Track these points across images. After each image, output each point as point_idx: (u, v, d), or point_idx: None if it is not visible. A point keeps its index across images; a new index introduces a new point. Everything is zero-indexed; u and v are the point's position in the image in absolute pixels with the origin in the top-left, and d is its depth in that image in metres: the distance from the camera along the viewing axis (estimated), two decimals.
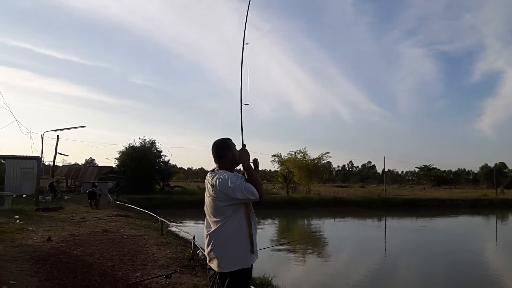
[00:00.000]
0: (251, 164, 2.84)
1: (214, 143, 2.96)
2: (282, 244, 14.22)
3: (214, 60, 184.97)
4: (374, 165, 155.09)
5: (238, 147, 2.91)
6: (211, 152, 2.92)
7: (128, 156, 34.48)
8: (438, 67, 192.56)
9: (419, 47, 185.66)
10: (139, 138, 36.09)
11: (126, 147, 35.24)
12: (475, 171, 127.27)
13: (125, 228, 10.81)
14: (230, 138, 3.00)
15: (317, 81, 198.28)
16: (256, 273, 7.41)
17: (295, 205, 31.39)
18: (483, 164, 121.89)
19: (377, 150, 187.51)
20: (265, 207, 28.90)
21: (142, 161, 33.31)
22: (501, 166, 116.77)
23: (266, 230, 18.99)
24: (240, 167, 2.86)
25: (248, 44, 3.45)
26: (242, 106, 3.25)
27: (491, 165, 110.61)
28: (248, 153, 2.88)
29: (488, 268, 11.61)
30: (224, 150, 2.88)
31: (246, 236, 2.72)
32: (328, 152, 44.31)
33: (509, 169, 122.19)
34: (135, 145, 35.06)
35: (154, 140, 36.22)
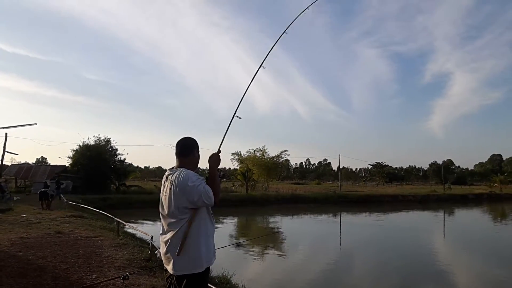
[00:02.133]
0: (219, 172, 2.84)
1: (183, 139, 2.91)
2: (242, 242, 14.31)
3: (173, 56, 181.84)
4: (330, 163, 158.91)
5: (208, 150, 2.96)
6: (175, 148, 2.86)
7: (82, 155, 33.18)
8: (392, 67, 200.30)
9: (374, 48, 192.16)
10: (94, 136, 34.86)
11: (80, 145, 33.90)
12: (425, 168, 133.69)
13: (79, 229, 10.44)
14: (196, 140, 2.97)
15: (276, 79, 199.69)
16: (215, 271, 7.44)
17: (254, 202, 31.63)
18: (432, 161, 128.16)
19: (333, 148, 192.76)
20: (225, 205, 28.92)
21: (96, 160, 32.18)
22: (449, 163, 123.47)
23: (226, 228, 19.01)
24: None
25: (265, 67, 3.87)
26: (234, 118, 3.46)
27: (440, 162, 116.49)
28: (220, 159, 2.90)
29: (437, 260, 12.30)
30: (191, 149, 2.85)
31: (204, 238, 2.67)
32: (286, 150, 45.10)
33: (456, 166, 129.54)
34: (89, 144, 33.80)
35: (109, 138, 35.13)
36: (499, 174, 75.60)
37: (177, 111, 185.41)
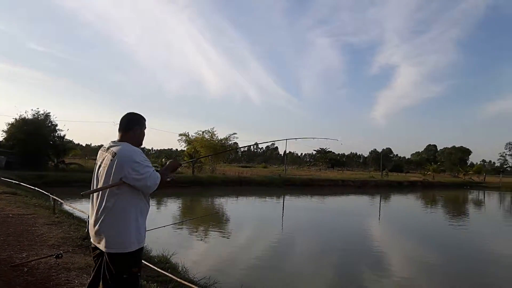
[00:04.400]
0: (171, 175, 2.84)
1: (127, 114, 2.81)
2: (184, 221, 14.28)
3: (123, 30, 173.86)
4: (277, 147, 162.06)
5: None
6: (119, 123, 2.77)
7: (18, 129, 30.95)
8: (343, 58, 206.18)
9: (327, 37, 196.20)
10: (32, 109, 32.68)
11: (16, 119, 31.64)
12: (365, 155, 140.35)
13: (11, 206, 9.86)
14: (145, 118, 2.85)
15: (230, 62, 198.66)
16: (155, 251, 7.39)
17: (200, 184, 31.53)
18: (372, 149, 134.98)
19: (281, 133, 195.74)
20: (169, 186, 28.52)
21: (34, 135, 30.22)
22: (387, 151, 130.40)
23: (169, 208, 18.85)
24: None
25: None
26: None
27: (380, 150, 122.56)
28: (178, 167, 2.98)
29: (371, 241, 13.10)
30: (135, 124, 2.75)
31: (140, 217, 2.59)
32: (235, 133, 45.26)
33: (394, 154, 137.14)
34: (26, 117, 31.61)
35: (49, 113, 32.97)
36: (432, 163, 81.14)
37: (125, 88, 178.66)
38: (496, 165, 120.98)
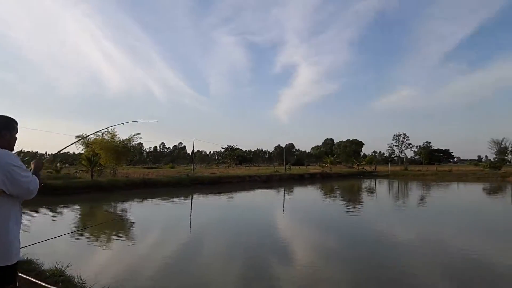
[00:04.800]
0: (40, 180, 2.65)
1: None
2: (83, 229, 13.31)
3: (12, 26, 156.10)
4: (184, 146, 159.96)
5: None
6: None
7: None
8: (248, 56, 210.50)
9: (232, 35, 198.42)
10: None
11: None
12: (270, 151, 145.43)
13: None
14: (17, 121, 2.62)
15: (133, 59, 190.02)
16: (46, 264, 6.75)
17: (100, 189, 29.64)
18: (276, 145, 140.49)
19: (188, 132, 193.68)
20: (65, 193, 26.39)
21: None
22: (290, 146, 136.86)
23: (66, 217, 17.37)
24: None
25: None
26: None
27: (283, 145, 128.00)
28: (42, 166, 2.84)
29: (278, 231, 13.58)
30: (2, 128, 2.50)
31: (16, 228, 2.41)
32: (139, 133, 43.13)
33: (296, 149, 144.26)
34: None
35: None
36: (330, 156, 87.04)
37: (14, 87, 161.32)
38: (385, 155, 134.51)
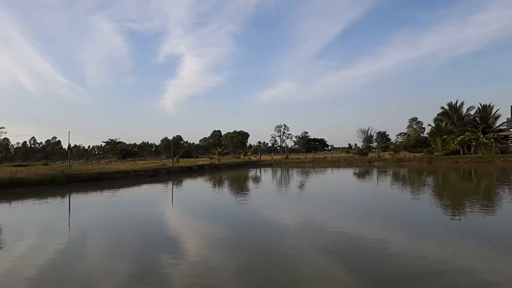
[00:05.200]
0: None
1: None
2: None
3: None
4: (59, 141, 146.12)
5: None
6: None
7: None
8: (128, 44, 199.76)
9: (110, 22, 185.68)
10: None
11: None
12: (157, 144, 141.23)
13: None
14: None
15: None
16: None
17: None
18: (164, 137, 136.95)
19: (63, 125, 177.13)
20: None
21: None
22: (178, 138, 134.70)
23: None
24: None
25: None
26: None
27: (170, 138, 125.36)
28: None
29: (167, 226, 13.34)
30: None
31: None
32: (3, 127, 38.25)
33: (184, 141, 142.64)
34: None
35: None
36: (218, 147, 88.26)
37: None
38: (268, 145, 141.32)
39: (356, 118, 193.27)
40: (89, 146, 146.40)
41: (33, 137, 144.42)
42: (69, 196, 25.26)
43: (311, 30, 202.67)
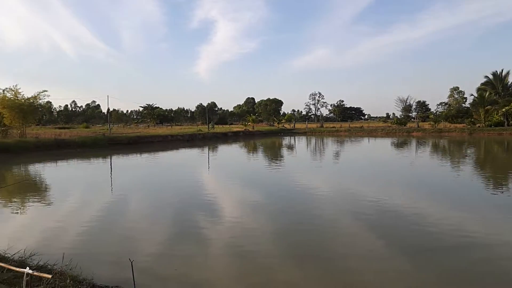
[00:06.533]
0: None
1: None
2: None
3: None
4: (99, 105, 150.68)
5: None
6: None
7: None
8: (162, 10, 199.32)
9: None
10: None
11: None
12: (192, 110, 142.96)
13: None
14: None
15: (32, 8, 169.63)
16: None
17: (7, 151, 27.16)
18: (198, 103, 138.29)
19: (102, 89, 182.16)
20: None
21: None
22: (212, 105, 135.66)
23: None
24: None
25: None
26: None
27: (205, 104, 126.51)
28: None
29: (204, 189, 13.73)
30: None
31: None
32: (46, 91, 39.45)
33: (219, 108, 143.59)
34: None
35: None
36: (252, 114, 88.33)
37: None
38: (303, 113, 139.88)
39: (394, 87, 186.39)
40: (127, 111, 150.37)
41: (73, 101, 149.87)
42: (111, 158, 26.32)
43: None
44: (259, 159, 26.01)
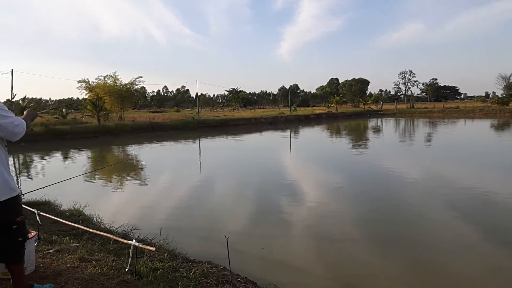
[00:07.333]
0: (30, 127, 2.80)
1: None
2: (95, 171, 13.53)
3: None
4: (188, 89, 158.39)
5: None
6: None
7: None
8: None
9: None
10: None
11: None
12: (275, 93, 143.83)
13: None
14: None
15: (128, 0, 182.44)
16: (66, 205, 6.88)
17: (108, 133, 29.94)
18: (280, 86, 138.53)
19: (190, 74, 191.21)
20: (73, 138, 26.64)
21: None
22: (295, 87, 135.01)
23: (78, 161, 17.65)
24: None
25: None
26: None
27: (287, 86, 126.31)
28: (35, 117, 3.03)
29: (286, 171, 13.74)
30: None
31: (3, 166, 2.53)
32: (141, 77, 42.73)
33: (301, 90, 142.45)
34: None
35: None
36: (335, 95, 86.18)
37: (14, 31, 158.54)
38: (391, 93, 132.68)
39: (494, 63, 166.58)
40: (213, 95, 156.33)
41: (165, 86, 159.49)
42: (199, 140, 27.62)
43: None
44: (343, 142, 25.32)
